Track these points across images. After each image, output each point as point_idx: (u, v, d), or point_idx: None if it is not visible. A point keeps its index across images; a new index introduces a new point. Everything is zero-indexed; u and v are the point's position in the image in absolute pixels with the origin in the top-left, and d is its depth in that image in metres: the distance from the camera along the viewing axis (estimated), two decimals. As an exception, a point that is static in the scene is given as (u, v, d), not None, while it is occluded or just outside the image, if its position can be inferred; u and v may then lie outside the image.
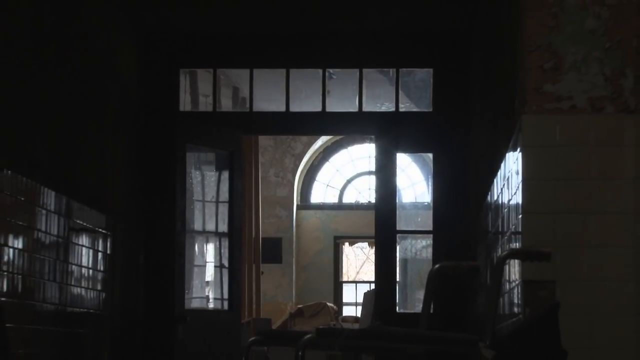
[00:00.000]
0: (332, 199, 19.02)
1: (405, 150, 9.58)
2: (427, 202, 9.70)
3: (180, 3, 8.75)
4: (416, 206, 15.98)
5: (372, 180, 14.66)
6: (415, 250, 13.18)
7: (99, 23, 7.72)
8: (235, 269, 9.31)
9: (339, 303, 18.18)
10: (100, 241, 7.70)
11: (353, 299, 18.77)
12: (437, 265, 4.25)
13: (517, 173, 4.81)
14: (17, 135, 6.06)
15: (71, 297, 7.01)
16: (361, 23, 8.80)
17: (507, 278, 5.10)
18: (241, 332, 9.63)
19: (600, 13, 4.62)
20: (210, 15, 8.77)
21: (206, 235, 9.57)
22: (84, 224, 7.29)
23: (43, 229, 6.46)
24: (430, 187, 9.43)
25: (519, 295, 4.71)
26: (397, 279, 9.36)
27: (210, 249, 9.68)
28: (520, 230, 4.69)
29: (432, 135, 8.96)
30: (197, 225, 9.44)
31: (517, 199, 4.81)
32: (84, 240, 7.29)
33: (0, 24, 5.87)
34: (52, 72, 6.69)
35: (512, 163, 5.06)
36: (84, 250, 7.31)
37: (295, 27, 8.86)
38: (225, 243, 9.37)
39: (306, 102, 9.99)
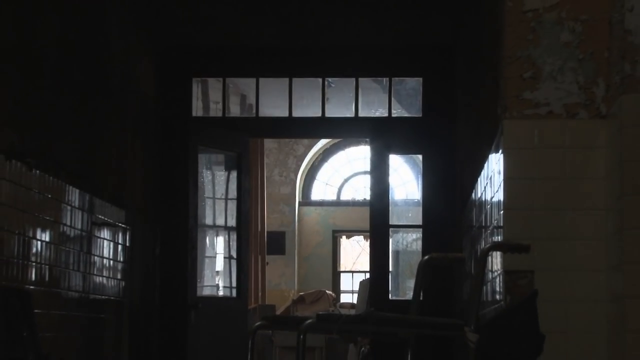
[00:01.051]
0: (331, 196, 19.02)
1: (397, 152, 9.58)
2: (417, 199, 9.70)
3: (192, 21, 8.78)
4: (407, 203, 15.98)
5: (367, 179, 14.69)
6: (406, 243, 13.16)
7: (121, 38, 7.72)
8: (243, 259, 9.31)
9: (337, 291, 18.19)
10: (120, 234, 7.70)
11: (350, 287, 18.78)
12: (426, 257, 4.25)
13: (499, 173, 4.80)
14: (45, 140, 6.06)
15: (94, 285, 7.02)
16: (357, 37, 8.79)
17: (490, 268, 5.10)
18: (248, 317, 9.63)
19: (575, 27, 4.61)
20: (219, 30, 8.79)
21: (216, 229, 9.57)
22: (105, 218, 7.29)
23: (68, 223, 6.46)
24: (420, 186, 9.41)
25: (501, 284, 4.71)
26: (390, 269, 9.35)
27: (220, 242, 9.67)
28: (501, 224, 4.69)
29: (422, 138, 8.96)
30: (208, 220, 9.44)
31: (499, 196, 4.81)
32: (105, 233, 7.29)
33: (32, 44, 5.87)
34: (77, 82, 6.69)
35: (495, 164, 5.06)
36: (105, 242, 7.31)
37: (297, 40, 8.85)
38: (234, 236, 9.37)
39: (307, 108, 9.99)
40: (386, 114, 9.34)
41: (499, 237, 4.78)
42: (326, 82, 9.38)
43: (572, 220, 4.52)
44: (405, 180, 17.68)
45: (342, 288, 18.78)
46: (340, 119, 9.83)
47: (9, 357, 5.44)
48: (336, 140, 18.30)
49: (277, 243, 17.44)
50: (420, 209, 9.08)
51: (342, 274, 19.00)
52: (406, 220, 14.91)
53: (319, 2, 8.82)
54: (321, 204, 18.85)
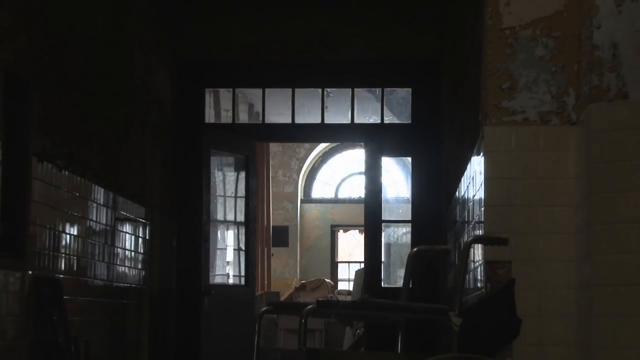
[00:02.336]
0: (330, 194, 19.02)
1: (388, 155, 9.57)
2: (407, 197, 9.70)
3: (205, 38, 8.79)
4: (398, 200, 15.95)
5: (362, 179, 14.69)
6: (397, 236, 13.17)
7: (142, 53, 7.72)
8: (250, 251, 9.31)
9: (335, 279, 18.19)
10: (141, 229, 7.70)
11: (346, 276, 18.77)
12: (414, 249, 4.25)
13: (480, 173, 4.80)
14: (73, 144, 6.07)
15: (117, 274, 7.02)
16: (353, 52, 8.80)
17: (472, 259, 5.09)
18: (255, 303, 9.63)
19: (548, 43, 4.61)
20: (229, 46, 8.80)
21: (226, 224, 9.57)
22: (127, 214, 7.29)
23: (94, 218, 6.46)
24: (409, 185, 9.41)
25: (482, 273, 4.71)
26: (382, 260, 9.35)
27: (229, 235, 9.67)
28: (482, 220, 4.68)
29: (411, 142, 8.96)
30: (219, 216, 9.44)
31: (480, 194, 4.80)
32: (127, 228, 7.29)
33: (62, 59, 5.87)
34: (102, 92, 6.69)
35: (476, 165, 5.06)
36: (127, 236, 7.31)
37: (299, 55, 8.86)
38: (242, 230, 9.36)
39: (308, 115, 9.98)
40: (379, 121, 9.34)
41: (480, 231, 4.78)
42: (325, 92, 9.38)
43: (546, 215, 4.52)
44: (396, 180, 17.65)
45: (339, 277, 18.78)
46: (337, 125, 9.82)
47: (41, 339, 5.45)
48: (334, 144, 18.29)
49: (281, 236, 17.43)
50: (410, 205, 9.07)
51: (339, 264, 19.00)
52: (397, 216, 14.88)
53: (318, 21, 8.82)
54: (321, 201, 18.84)
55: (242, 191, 9.36)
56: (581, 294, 4.25)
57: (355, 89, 9.28)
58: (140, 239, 7.67)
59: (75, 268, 6.08)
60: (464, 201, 5.89)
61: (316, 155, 18.82)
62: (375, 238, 9.08)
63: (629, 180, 3.88)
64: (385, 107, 9.35)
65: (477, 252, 4.93)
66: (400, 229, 12.42)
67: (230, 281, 9.62)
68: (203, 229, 8.73)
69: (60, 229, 5.81)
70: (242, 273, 9.31)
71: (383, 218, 9.20)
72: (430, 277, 8.28)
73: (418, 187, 8.95)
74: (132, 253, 7.45)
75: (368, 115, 11.31)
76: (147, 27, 7.97)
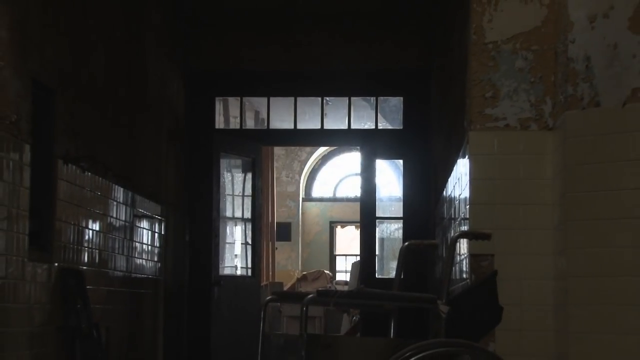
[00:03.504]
0: (329, 193, 19.02)
1: (382, 157, 9.57)
2: (399, 196, 9.70)
3: (215, 51, 8.79)
4: (390, 199, 15.95)
5: (358, 179, 14.73)
6: (390, 231, 13.17)
7: (157, 64, 7.72)
8: (256, 245, 9.31)
9: (334, 271, 18.18)
10: (157, 225, 7.70)
11: (344, 268, 18.77)
12: (406, 243, 4.25)
13: (466, 174, 4.80)
14: (95, 147, 6.07)
15: (135, 266, 7.02)
16: (349, 64, 8.80)
17: (458, 252, 5.10)
18: (260, 292, 9.63)
19: (527, 56, 4.61)
20: (237, 58, 8.80)
21: (235, 220, 9.57)
22: (145, 212, 7.29)
23: (114, 215, 6.46)
24: (401, 185, 9.41)
25: (467, 265, 4.71)
26: (377, 253, 9.34)
27: (237, 231, 9.67)
28: (467, 217, 4.69)
29: (402, 146, 8.96)
30: (228, 213, 9.44)
31: (466, 193, 4.81)
32: (144, 224, 7.29)
33: (84, 70, 5.87)
34: (121, 100, 6.70)
35: (462, 167, 5.06)
36: (144, 231, 7.31)
37: (301, 66, 8.85)
38: (249, 226, 9.36)
39: (309, 122, 9.99)
40: (373, 126, 9.35)
41: (466, 227, 4.78)
42: (324, 101, 9.38)
43: (525, 213, 4.52)
44: (389, 180, 17.64)
45: (337, 268, 18.78)
46: (335, 130, 9.82)
47: (66, 325, 5.45)
48: (333, 148, 18.30)
49: (284, 232, 17.44)
50: (401, 204, 9.07)
51: (337, 257, 18.99)
52: (390, 213, 14.93)
53: (318, 36, 8.82)
54: (320, 199, 18.84)
55: (248, 190, 9.36)
56: (557, 285, 4.26)
57: (352, 98, 9.28)
58: (156, 234, 7.67)
59: (97, 260, 6.08)
60: (451, 200, 5.89)
61: (316, 158, 18.82)
62: (370, 233, 9.07)
63: (601, 181, 3.88)
64: (379, 114, 9.36)
65: (463, 246, 4.93)
66: (392, 225, 12.42)
67: (238, 272, 9.62)
68: (213, 225, 8.73)
69: (84, 225, 5.81)
70: (249, 265, 9.31)
71: (377, 215, 9.20)
72: (420, 269, 8.28)
73: (409, 187, 8.95)
74: (149, 247, 7.45)
75: (363, 121, 11.31)
76: (161, 40, 7.97)
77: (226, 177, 9.55)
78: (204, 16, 8.79)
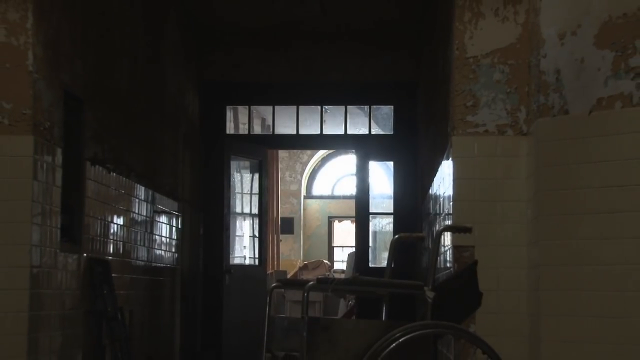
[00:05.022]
0: (327, 191, 19.01)
1: (375, 160, 9.58)
2: (390, 194, 9.71)
3: (226, 65, 8.80)
4: (382, 197, 15.94)
5: (353, 179, 14.71)
6: (382, 225, 13.16)
7: (174, 76, 7.73)
8: (263, 237, 9.32)
9: (332, 260, 18.19)
10: (174, 219, 7.71)
11: (341, 258, 18.77)
12: (396, 236, 4.25)
13: (449, 175, 4.81)
14: (120, 151, 6.07)
15: (155, 256, 7.02)
16: (346, 76, 8.81)
17: (443, 244, 5.10)
18: (266, 279, 9.64)
19: (504, 69, 4.62)
20: (246, 71, 8.82)
21: (243, 215, 9.58)
22: (163, 208, 7.30)
23: (136, 211, 6.47)
24: (392, 184, 9.41)
25: (450, 256, 4.72)
26: (370, 245, 9.35)
27: (246, 225, 9.68)
28: (451, 212, 4.69)
29: (393, 149, 8.96)
30: (238, 209, 9.45)
31: (449, 191, 4.81)
32: (163, 219, 7.30)
33: (110, 81, 5.88)
34: (142, 108, 6.70)
35: (446, 168, 5.06)
36: (163, 225, 7.32)
37: (302, 79, 8.87)
38: (256, 221, 9.37)
39: (309, 128, 10.00)
40: (367, 132, 9.35)
41: (449, 221, 4.78)
42: (323, 109, 9.40)
43: (502, 209, 4.53)
44: (381, 180, 17.66)
45: (335, 258, 18.78)
46: (333, 136, 9.82)
47: (94, 309, 5.45)
48: (331, 151, 18.29)
49: (287, 225, 17.44)
50: (392, 201, 9.08)
51: (335, 248, 18.99)
52: (381, 209, 14.87)
53: (317, 52, 8.83)
54: (320, 197, 18.84)
55: (256, 189, 9.37)
56: (531, 272, 4.27)
57: (348, 106, 9.29)
58: (173, 228, 7.68)
59: (121, 251, 6.08)
60: (436, 197, 5.90)
61: (316, 160, 18.82)
62: (364, 227, 9.08)
63: (569, 180, 3.89)
64: (372, 121, 9.37)
65: (447, 239, 4.94)
66: (384, 219, 12.41)
67: (247, 262, 9.63)
68: (224, 220, 8.74)
69: (109, 219, 5.81)
70: (256, 255, 9.31)
71: (370, 211, 9.21)
72: (409, 259, 8.29)
73: (398, 185, 8.96)
74: (167, 239, 7.45)
75: (358, 127, 11.32)
76: (178, 55, 7.97)
77: (236, 177, 9.56)
78: (216, 34, 8.80)
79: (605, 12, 3.74)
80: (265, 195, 9.45)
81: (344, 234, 18.99)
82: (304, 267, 14.88)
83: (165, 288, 7.40)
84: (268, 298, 3.78)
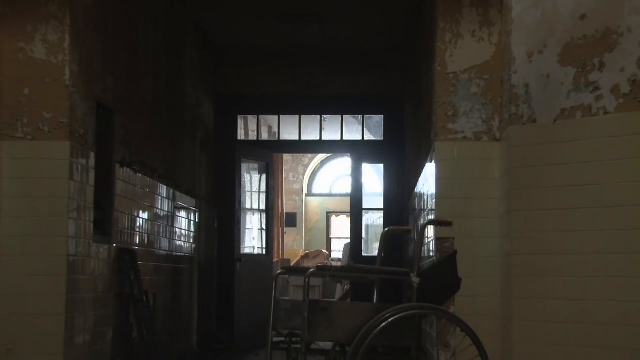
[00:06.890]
0: (326, 190, 18.99)
1: (367, 162, 9.57)
2: (380, 192, 9.72)
3: (238, 80, 8.80)
4: (374, 194, 15.93)
5: (349, 179, 14.70)
6: (373, 220, 13.19)
7: (193, 89, 7.74)
8: (269, 230, 9.32)
9: (330, 250, 18.17)
10: (192, 214, 7.72)
11: (338, 248, 18.76)
12: (386, 229, 4.26)
13: (432, 175, 4.82)
14: (144, 154, 6.08)
15: (175, 247, 7.03)
16: (342, 89, 8.82)
17: (426, 236, 5.12)
18: (273, 267, 9.65)
19: (480, 83, 4.63)
20: (255, 85, 8.82)
21: (252, 211, 9.58)
22: (183, 204, 7.30)
23: (159, 207, 6.47)
24: (382, 183, 9.42)
25: (433, 246, 4.73)
26: (363, 237, 9.36)
27: (255, 219, 9.68)
28: (434, 208, 4.71)
29: (383, 153, 8.97)
30: (247, 205, 9.45)
31: (432, 190, 4.82)
32: (182, 214, 7.31)
33: (136, 92, 5.88)
34: (165, 117, 6.71)
35: (430, 170, 5.08)
36: (183, 220, 7.33)
37: (304, 92, 8.88)
38: (263, 215, 9.37)
39: (310, 134, 10.00)
40: (360, 138, 9.36)
41: (432, 216, 4.80)
42: (322, 118, 9.40)
43: (479, 205, 4.54)
44: (373, 180, 17.65)
45: (333, 249, 18.77)
46: (331, 141, 9.82)
47: (122, 292, 5.46)
48: (329, 155, 18.28)
49: (291, 220, 17.42)
50: (382, 198, 9.09)
51: (332, 240, 18.98)
52: (373, 205, 14.86)
53: (317, 69, 8.85)
54: (320, 195, 18.81)
55: (263, 188, 9.37)
56: (503, 261, 4.28)
57: (344, 116, 9.30)
58: (191, 222, 7.69)
59: (146, 242, 6.09)
60: (421, 195, 5.91)
61: (316, 162, 18.81)
62: (358, 221, 9.09)
63: (537, 180, 3.90)
64: (365, 129, 9.37)
65: (430, 231, 4.95)
66: (375, 214, 12.45)
67: (255, 252, 9.63)
68: (236, 215, 8.74)
69: (135, 214, 5.82)
70: (264, 246, 9.32)
71: (363, 207, 9.22)
72: (397, 249, 8.30)
73: (388, 185, 8.97)
74: (186, 232, 7.46)
75: (353, 134, 11.34)
76: (196, 71, 7.98)
77: (246, 177, 9.57)
78: (229, 54, 8.81)
79: (568, 34, 3.75)
80: (272, 193, 9.46)
81: (341, 227, 18.98)
82: (306, 256, 14.88)
83: (184, 274, 7.41)
84: (274, 283, 3.79)
